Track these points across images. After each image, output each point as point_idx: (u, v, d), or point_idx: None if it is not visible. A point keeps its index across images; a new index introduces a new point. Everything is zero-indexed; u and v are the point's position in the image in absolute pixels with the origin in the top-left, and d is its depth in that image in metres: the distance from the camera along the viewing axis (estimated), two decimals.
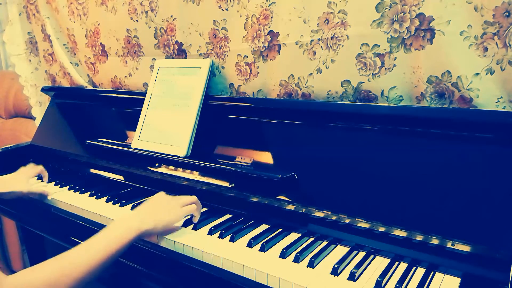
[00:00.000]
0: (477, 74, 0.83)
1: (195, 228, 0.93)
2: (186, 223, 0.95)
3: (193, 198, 0.94)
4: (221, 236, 0.89)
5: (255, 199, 0.98)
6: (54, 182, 1.31)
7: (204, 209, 1.04)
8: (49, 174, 1.33)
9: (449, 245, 0.74)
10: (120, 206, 1.09)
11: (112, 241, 0.74)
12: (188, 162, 1.10)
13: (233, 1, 1.12)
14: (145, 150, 1.19)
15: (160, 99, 1.22)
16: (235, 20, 1.13)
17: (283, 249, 0.81)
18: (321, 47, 1.00)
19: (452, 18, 0.83)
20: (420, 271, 0.75)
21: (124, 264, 0.95)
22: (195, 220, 0.93)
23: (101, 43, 1.51)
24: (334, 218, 0.86)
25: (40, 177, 1.33)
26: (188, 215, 0.93)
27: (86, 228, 1.05)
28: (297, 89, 1.07)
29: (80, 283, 0.70)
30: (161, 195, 0.94)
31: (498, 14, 0.78)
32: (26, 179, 1.22)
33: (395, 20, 0.89)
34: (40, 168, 1.31)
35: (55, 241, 1.22)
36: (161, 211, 0.87)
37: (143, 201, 1.07)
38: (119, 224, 0.80)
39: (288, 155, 0.99)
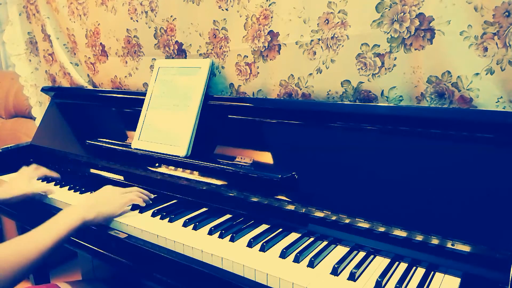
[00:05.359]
0: (477, 74, 0.83)
1: (195, 228, 0.93)
2: (186, 223, 0.95)
3: (134, 189, 1.07)
4: (221, 236, 0.89)
5: (255, 199, 0.98)
6: (54, 182, 1.31)
7: (204, 209, 1.04)
8: None
9: (449, 245, 0.74)
10: None
11: (61, 228, 0.87)
12: (188, 162, 1.10)
13: (233, 1, 1.12)
14: (145, 150, 1.19)
15: (160, 99, 1.22)
16: (235, 20, 1.13)
17: (283, 249, 0.81)
18: (321, 47, 1.00)
19: (452, 18, 0.83)
20: (420, 271, 0.75)
21: (124, 264, 0.95)
22: (143, 205, 1.04)
23: (101, 43, 1.51)
24: (334, 218, 0.86)
25: (45, 179, 1.33)
26: (129, 205, 1.04)
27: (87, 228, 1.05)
28: (297, 89, 1.07)
29: (35, 262, 0.81)
30: (106, 188, 1.04)
31: (498, 14, 0.78)
32: (28, 181, 1.22)
33: (395, 20, 0.89)
34: (42, 171, 1.31)
35: None
36: (103, 203, 0.98)
37: None
38: (67, 214, 0.91)
39: (288, 155, 0.99)
